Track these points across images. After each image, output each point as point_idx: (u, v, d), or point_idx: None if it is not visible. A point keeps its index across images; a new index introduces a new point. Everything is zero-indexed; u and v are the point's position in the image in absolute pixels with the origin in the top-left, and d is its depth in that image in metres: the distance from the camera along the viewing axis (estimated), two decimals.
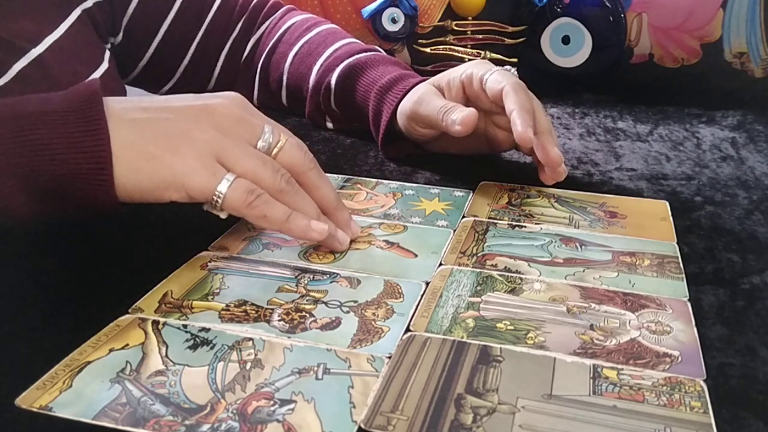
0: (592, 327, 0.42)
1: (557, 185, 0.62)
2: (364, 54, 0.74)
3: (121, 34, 0.75)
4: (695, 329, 0.42)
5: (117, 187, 0.45)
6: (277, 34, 0.82)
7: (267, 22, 0.84)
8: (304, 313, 0.43)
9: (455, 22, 0.95)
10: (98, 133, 0.44)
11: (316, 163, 0.51)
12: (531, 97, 0.61)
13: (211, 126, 0.47)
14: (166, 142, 0.45)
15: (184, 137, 0.46)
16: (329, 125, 0.78)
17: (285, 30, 0.82)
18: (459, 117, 0.59)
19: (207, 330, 0.42)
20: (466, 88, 0.64)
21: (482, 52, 0.95)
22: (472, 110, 0.59)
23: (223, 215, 0.47)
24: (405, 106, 0.65)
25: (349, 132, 0.77)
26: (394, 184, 0.63)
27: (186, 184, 0.45)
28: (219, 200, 0.45)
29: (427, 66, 0.97)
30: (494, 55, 0.95)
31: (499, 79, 0.61)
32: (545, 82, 0.95)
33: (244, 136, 0.48)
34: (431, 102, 0.63)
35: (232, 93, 0.50)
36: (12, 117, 0.44)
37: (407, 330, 0.42)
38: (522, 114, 0.58)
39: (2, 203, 0.44)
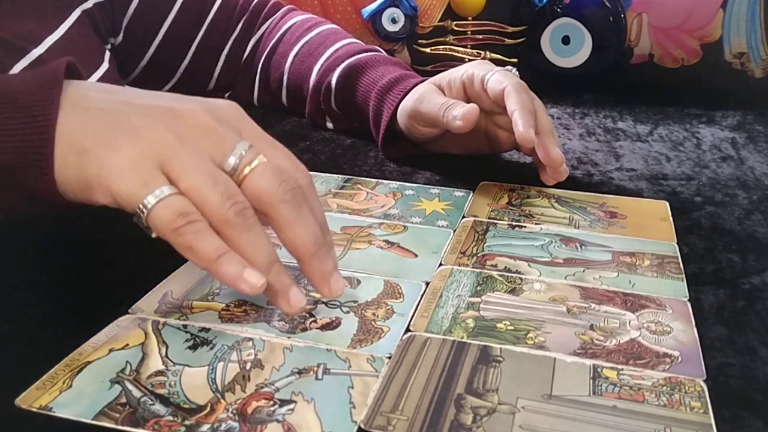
0: (592, 327, 0.42)
1: (557, 185, 0.62)
2: (364, 54, 0.74)
3: (121, 35, 0.75)
4: (695, 329, 0.42)
5: (57, 181, 0.39)
6: (278, 35, 0.82)
7: (267, 23, 0.84)
8: (303, 313, 0.43)
9: (455, 23, 0.95)
10: (44, 119, 0.39)
11: (298, 195, 0.40)
12: (533, 98, 0.61)
13: (169, 129, 0.39)
14: (106, 136, 0.39)
15: (130, 134, 0.39)
16: (329, 125, 0.78)
17: (285, 30, 0.82)
18: (460, 112, 0.59)
19: (207, 330, 0.42)
20: (467, 89, 0.64)
21: (482, 53, 0.95)
22: (473, 105, 0.59)
23: (153, 235, 0.39)
24: (406, 104, 0.65)
25: (349, 132, 0.77)
26: (394, 184, 0.63)
27: (111, 187, 0.38)
28: (143, 214, 0.38)
29: (427, 66, 0.97)
30: (494, 55, 0.95)
31: (500, 79, 0.61)
32: (545, 82, 0.94)
33: (207, 149, 0.39)
34: (432, 99, 0.63)
35: (225, 102, 0.43)
36: None
37: (407, 330, 0.42)
38: (523, 114, 0.58)
39: None
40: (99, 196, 0.39)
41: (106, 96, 0.41)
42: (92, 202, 0.40)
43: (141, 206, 0.38)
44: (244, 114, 0.43)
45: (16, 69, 0.59)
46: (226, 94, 0.86)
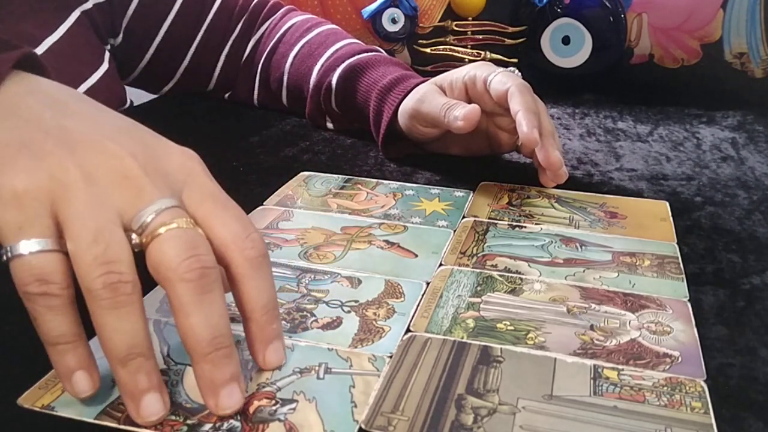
0: (592, 327, 0.42)
1: (557, 186, 0.62)
2: (365, 54, 0.74)
3: (121, 35, 0.75)
4: (695, 329, 0.42)
5: None
6: (278, 35, 0.82)
7: (267, 23, 0.84)
8: (305, 313, 0.43)
9: (455, 23, 0.95)
10: None
11: (208, 276, 0.33)
12: (536, 99, 0.61)
13: (81, 167, 0.34)
14: (8, 155, 0.33)
15: (34, 160, 0.33)
16: (329, 125, 0.78)
17: (285, 30, 0.82)
18: (461, 113, 0.59)
19: None
20: (469, 90, 0.64)
21: (482, 53, 0.95)
22: (474, 106, 0.59)
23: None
24: (407, 105, 0.66)
25: (349, 132, 0.77)
26: (395, 184, 0.63)
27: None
28: (5, 258, 0.33)
29: (427, 66, 0.97)
30: (494, 56, 0.95)
31: (503, 80, 0.61)
32: (545, 82, 0.95)
33: (117, 200, 0.34)
34: (434, 100, 0.63)
35: (180, 150, 0.38)
36: None
37: (407, 330, 0.42)
38: (527, 115, 0.58)
39: None
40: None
41: (41, 106, 0.36)
42: None
43: (6, 251, 0.32)
44: (200, 167, 0.37)
45: None
46: (227, 94, 0.86)
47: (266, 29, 0.83)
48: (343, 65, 0.73)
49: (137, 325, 0.33)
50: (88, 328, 0.34)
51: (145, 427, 0.34)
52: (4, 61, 0.37)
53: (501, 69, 0.64)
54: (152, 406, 0.33)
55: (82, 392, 0.34)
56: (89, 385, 0.34)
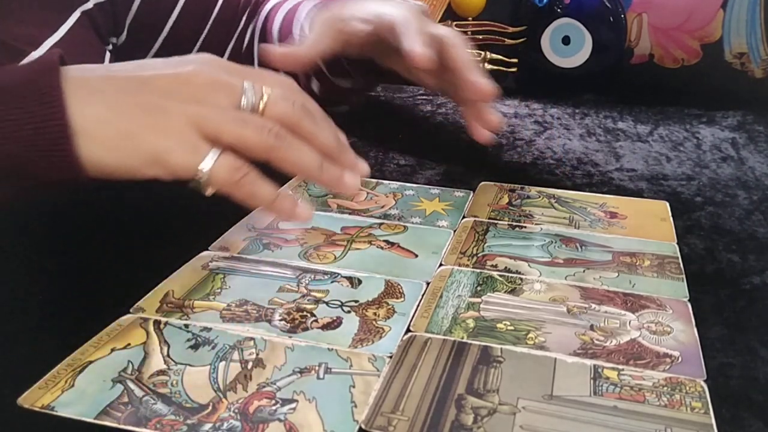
0: (592, 327, 0.42)
1: (557, 186, 0.62)
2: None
3: (125, 34, 0.75)
4: (695, 329, 0.42)
5: (90, 163, 0.41)
6: (264, 13, 0.82)
7: (265, 7, 0.84)
8: (305, 313, 0.43)
9: (455, 23, 0.95)
10: (52, 107, 0.40)
11: (309, 109, 0.47)
12: (439, 28, 0.60)
13: (187, 96, 0.44)
14: (143, 118, 0.42)
15: (161, 112, 0.43)
16: (315, 88, 0.78)
17: (271, 8, 0.82)
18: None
19: (208, 330, 0.42)
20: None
21: (482, 53, 0.95)
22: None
23: (208, 193, 0.44)
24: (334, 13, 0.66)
25: (349, 132, 0.77)
26: (395, 184, 0.63)
27: (168, 161, 0.42)
28: (203, 178, 0.43)
29: None
30: (494, 56, 0.95)
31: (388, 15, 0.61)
32: (545, 82, 0.95)
33: (224, 101, 0.45)
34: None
35: (205, 55, 0.47)
36: None
37: (408, 330, 0.42)
38: (414, 36, 0.58)
39: None
40: (156, 170, 0.43)
41: (104, 76, 0.44)
42: (140, 178, 0.43)
43: (199, 172, 0.43)
44: (219, 58, 0.47)
45: None
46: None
47: (263, 14, 0.83)
48: (309, 10, 0.72)
49: (306, 146, 0.46)
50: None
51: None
52: (50, 62, 0.42)
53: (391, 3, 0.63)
54: (351, 178, 0.48)
55: (307, 209, 0.48)
56: (306, 206, 0.48)
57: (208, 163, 0.43)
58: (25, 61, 0.60)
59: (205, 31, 0.80)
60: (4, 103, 0.41)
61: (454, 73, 0.61)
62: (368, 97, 0.90)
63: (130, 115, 0.42)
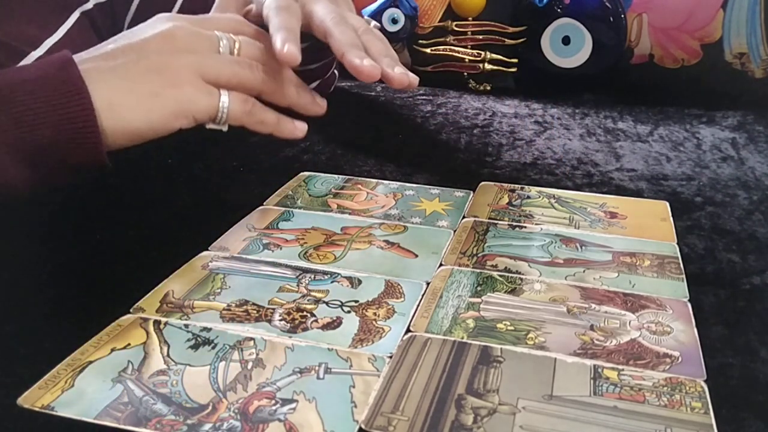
0: (592, 327, 0.42)
1: (557, 186, 0.62)
2: None
3: None
4: (695, 330, 0.42)
5: (120, 132, 0.46)
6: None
7: None
8: (305, 313, 0.43)
9: (455, 23, 0.95)
10: (77, 94, 0.45)
11: (262, 49, 0.53)
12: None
13: (179, 49, 0.49)
14: (157, 77, 0.48)
15: (167, 68, 0.48)
16: None
17: None
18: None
19: (208, 330, 0.42)
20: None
21: (482, 53, 0.95)
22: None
23: (225, 128, 0.51)
24: None
25: (349, 132, 0.77)
26: (395, 184, 0.63)
27: (192, 109, 0.48)
28: (224, 115, 0.49)
29: (427, 66, 0.97)
30: (494, 56, 0.95)
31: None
32: (545, 82, 0.95)
33: (209, 47, 0.50)
34: None
35: (161, 14, 0.52)
36: None
37: (408, 330, 0.42)
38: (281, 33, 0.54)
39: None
40: (181, 121, 0.48)
41: (105, 54, 0.48)
42: (168, 131, 0.48)
43: (220, 111, 0.49)
44: (170, 14, 0.53)
45: None
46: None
47: None
48: None
49: (283, 70, 0.54)
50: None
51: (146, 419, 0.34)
52: (64, 56, 0.46)
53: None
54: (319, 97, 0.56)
55: (303, 125, 0.55)
56: (301, 123, 0.55)
57: (225, 101, 0.49)
58: (25, 61, 0.60)
59: None
60: (30, 93, 0.44)
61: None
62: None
63: (144, 78, 0.47)
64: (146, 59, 0.48)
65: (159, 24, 0.50)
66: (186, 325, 0.42)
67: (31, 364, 0.38)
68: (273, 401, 0.36)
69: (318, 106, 0.56)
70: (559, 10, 0.91)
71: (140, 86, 0.47)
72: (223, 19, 0.55)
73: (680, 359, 0.40)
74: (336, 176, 0.64)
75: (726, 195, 0.63)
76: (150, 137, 0.48)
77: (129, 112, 0.46)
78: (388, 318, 0.43)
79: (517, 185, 0.63)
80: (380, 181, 0.64)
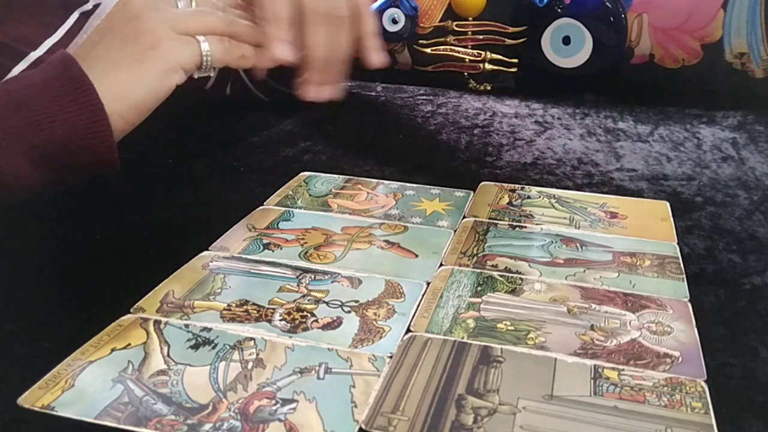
0: (592, 327, 0.42)
1: (557, 186, 0.62)
2: None
3: None
4: (696, 330, 0.42)
5: (125, 108, 0.48)
6: None
7: None
8: (305, 313, 0.43)
9: (456, 23, 0.95)
10: (83, 87, 0.46)
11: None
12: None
13: (142, 12, 0.51)
14: (134, 45, 0.50)
15: (141, 32, 0.50)
16: None
17: None
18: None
19: (208, 330, 0.42)
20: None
21: (483, 53, 0.95)
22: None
23: (212, 73, 0.54)
24: None
25: (349, 132, 0.77)
26: (395, 184, 0.63)
27: (179, 62, 0.50)
28: (208, 59, 0.51)
29: (427, 66, 0.97)
30: (494, 56, 0.95)
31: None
32: (546, 82, 0.95)
33: (169, 4, 0.53)
34: None
35: None
36: (4, 97, 0.46)
37: (408, 330, 0.42)
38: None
39: (13, 178, 0.45)
40: (173, 76, 0.50)
41: (88, 44, 0.51)
42: (167, 92, 0.50)
43: (204, 56, 0.51)
44: None
45: (15, 71, 0.60)
46: (228, 88, 0.85)
47: None
48: None
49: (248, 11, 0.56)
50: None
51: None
52: (65, 56, 0.48)
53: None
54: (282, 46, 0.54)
55: (286, 47, 0.54)
56: (283, 46, 0.54)
57: (206, 46, 0.51)
58: (24, 61, 0.61)
59: None
60: (40, 95, 0.46)
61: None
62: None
63: (124, 49, 0.49)
64: (118, 31, 0.50)
65: (114, 5, 0.52)
66: (186, 325, 0.42)
67: (32, 364, 0.38)
68: (273, 401, 0.36)
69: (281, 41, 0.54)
70: (559, 10, 0.91)
71: (124, 58, 0.49)
72: None
73: (680, 359, 0.40)
74: (336, 176, 0.64)
75: (726, 195, 0.63)
76: (154, 104, 0.50)
77: (125, 86, 0.48)
78: (389, 318, 0.43)
79: (517, 185, 0.63)
80: (380, 181, 0.64)
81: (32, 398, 0.36)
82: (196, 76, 0.52)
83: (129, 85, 0.48)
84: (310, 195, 0.60)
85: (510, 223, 0.56)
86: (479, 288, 0.46)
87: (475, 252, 0.51)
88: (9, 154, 0.45)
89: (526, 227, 0.55)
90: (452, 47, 0.96)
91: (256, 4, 0.57)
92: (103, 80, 0.47)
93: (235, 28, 0.54)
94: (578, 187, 0.63)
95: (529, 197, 0.61)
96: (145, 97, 0.49)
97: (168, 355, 0.39)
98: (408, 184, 0.63)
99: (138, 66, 0.49)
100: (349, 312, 0.44)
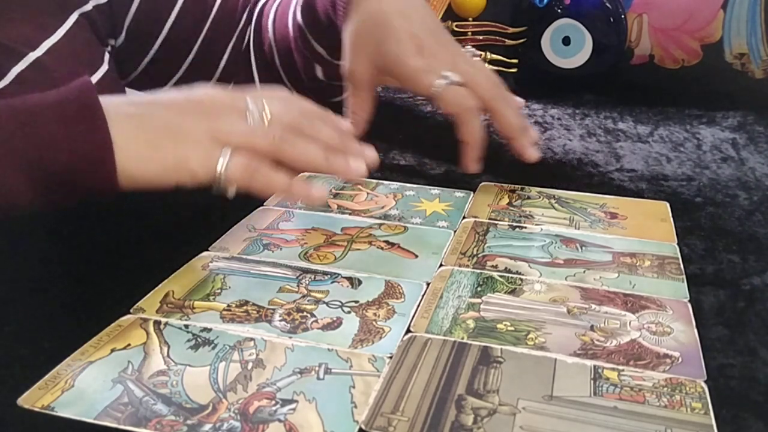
0: (592, 328, 0.42)
1: (557, 186, 0.62)
2: None
3: (123, 36, 0.75)
4: (695, 330, 0.42)
5: (124, 174, 0.46)
6: (257, 9, 0.82)
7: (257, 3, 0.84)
8: (305, 313, 0.43)
9: (456, 23, 0.95)
10: (97, 122, 0.45)
11: (307, 111, 0.53)
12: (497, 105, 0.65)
13: (201, 115, 0.49)
14: (167, 131, 0.48)
15: (181, 126, 0.48)
16: (320, 75, 0.78)
17: (263, 3, 0.82)
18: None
19: (208, 330, 0.42)
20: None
21: (482, 53, 0.95)
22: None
23: (230, 194, 0.48)
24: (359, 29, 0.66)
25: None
26: (395, 184, 0.63)
27: (190, 167, 0.47)
28: (222, 177, 0.47)
29: None
30: (494, 56, 0.95)
31: (452, 101, 0.63)
32: (545, 83, 0.95)
33: (233, 117, 0.50)
34: (405, 54, 0.64)
35: (210, 87, 0.52)
36: (12, 113, 0.45)
37: (408, 331, 0.42)
38: (475, 149, 0.63)
39: (8, 195, 0.44)
40: (180, 177, 0.47)
41: (128, 102, 0.49)
42: (166, 185, 0.48)
43: (217, 173, 0.47)
44: (223, 88, 0.52)
45: (14, 72, 0.60)
46: (230, 87, 0.85)
47: (257, 10, 0.83)
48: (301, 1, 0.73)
49: (310, 139, 0.50)
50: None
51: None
52: (84, 83, 0.47)
53: (449, 77, 0.63)
54: (355, 162, 0.52)
55: (319, 190, 0.54)
56: (318, 186, 0.56)
57: (222, 160, 0.47)
58: (24, 62, 0.61)
59: (204, 32, 0.80)
60: (50, 119, 0.45)
61: (500, 132, 0.65)
62: None
63: (155, 130, 0.47)
64: (164, 115, 0.48)
65: (195, 89, 0.51)
66: (186, 326, 0.42)
67: (32, 365, 0.38)
68: (273, 401, 0.36)
69: (352, 171, 0.52)
70: (559, 10, 0.91)
71: (147, 136, 0.47)
72: (268, 94, 0.53)
73: (680, 360, 0.40)
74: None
75: (726, 195, 0.63)
76: (146, 186, 0.47)
77: (130, 157, 0.46)
78: (388, 318, 0.43)
79: (517, 185, 0.63)
80: (380, 181, 0.64)
81: (32, 398, 0.36)
82: (213, 192, 0.48)
83: (131, 159, 0.46)
84: None
85: (510, 223, 0.56)
86: (479, 288, 0.46)
87: (475, 252, 0.51)
88: (8, 171, 0.44)
89: (525, 228, 0.55)
90: None
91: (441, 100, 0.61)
92: (114, 136, 0.46)
93: (286, 152, 0.49)
94: (578, 188, 0.63)
95: (528, 197, 0.61)
96: (139, 177, 0.47)
97: (168, 356, 0.39)
98: (408, 185, 0.63)
99: (151, 149, 0.47)
100: (349, 312, 0.44)
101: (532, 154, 0.65)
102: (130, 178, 0.46)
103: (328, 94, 0.81)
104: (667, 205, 0.60)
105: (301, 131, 0.51)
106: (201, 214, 0.57)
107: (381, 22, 0.65)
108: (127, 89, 0.78)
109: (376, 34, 0.65)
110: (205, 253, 0.50)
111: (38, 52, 0.62)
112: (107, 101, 0.47)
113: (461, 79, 0.63)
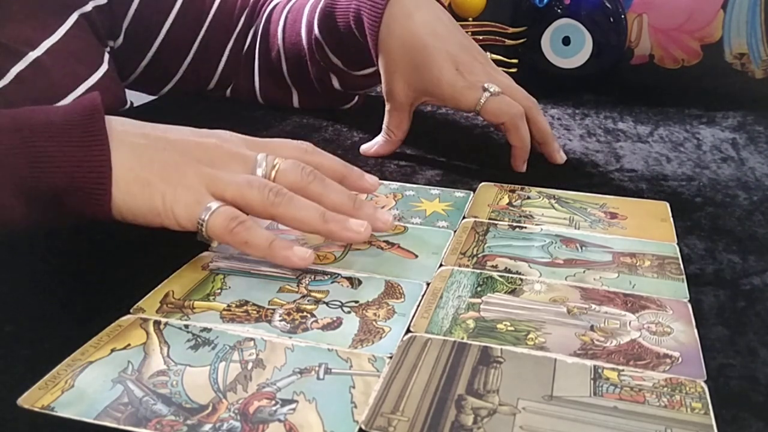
0: (592, 328, 0.42)
1: (557, 186, 0.62)
2: None
3: (121, 37, 0.75)
4: (696, 330, 0.42)
5: (115, 206, 0.45)
6: (265, 15, 0.82)
7: (265, 10, 0.84)
8: (305, 313, 0.43)
9: None
10: (99, 147, 0.44)
11: (317, 173, 0.50)
12: (533, 114, 0.67)
13: (205, 161, 0.48)
14: (161, 171, 0.46)
15: (177, 169, 0.46)
16: (336, 85, 0.78)
17: (271, 10, 0.82)
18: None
19: (208, 330, 0.42)
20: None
21: None
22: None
23: (213, 244, 0.49)
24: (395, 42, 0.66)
25: (349, 132, 0.77)
26: (395, 184, 0.63)
27: (175, 211, 0.46)
28: (202, 227, 0.46)
29: None
30: (494, 56, 0.95)
31: (495, 112, 0.64)
32: (545, 83, 0.95)
33: (238, 169, 0.48)
34: (444, 70, 0.65)
35: (227, 132, 0.51)
36: (13, 129, 0.44)
37: (408, 331, 0.42)
38: (522, 155, 0.66)
39: (3, 211, 0.44)
40: (164, 220, 0.46)
41: (139, 131, 0.48)
42: (151, 225, 0.46)
43: (199, 221, 0.46)
44: (240, 135, 0.52)
45: (14, 72, 0.60)
46: (228, 90, 0.86)
47: (264, 17, 0.83)
48: (318, 9, 0.72)
49: (306, 200, 0.48)
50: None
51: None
52: (94, 104, 0.46)
53: (490, 89, 0.64)
54: (356, 224, 0.49)
55: (307, 253, 0.47)
56: (305, 249, 0.47)
57: (206, 213, 0.46)
58: (23, 62, 0.61)
59: (202, 34, 0.80)
60: (50, 139, 0.44)
61: (534, 137, 0.67)
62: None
63: (151, 167, 0.46)
64: (166, 153, 0.47)
65: (211, 135, 0.50)
66: (186, 326, 0.42)
67: (31, 364, 0.38)
68: (273, 402, 0.36)
69: (348, 233, 0.49)
70: (559, 10, 0.91)
71: (142, 171, 0.45)
72: (287, 146, 0.52)
73: (680, 360, 0.40)
74: None
75: (726, 195, 0.63)
76: (138, 223, 0.46)
77: (120, 189, 0.45)
78: (388, 318, 0.43)
79: (517, 185, 0.63)
80: (381, 181, 0.64)
81: (32, 398, 0.36)
82: (198, 239, 0.48)
83: (120, 192, 0.45)
84: None
85: (510, 223, 0.56)
86: (479, 288, 0.46)
87: (474, 252, 0.51)
88: (6, 185, 0.43)
89: (525, 228, 0.55)
90: None
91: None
92: (121, 159, 0.45)
93: (276, 208, 0.47)
94: (578, 188, 0.63)
95: (528, 197, 0.61)
96: (125, 212, 0.46)
97: (168, 356, 0.39)
98: (408, 185, 0.63)
99: (141, 185, 0.45)
100: (348, 312, 0.44)
101: (561, 158, 0.69)
102: (119, 211, 0.46)
103: (340, 100, 0.82)
104: (667, 205, 0.60)
105: (305, 190, 0.49)
106: None
107: (416, 46, 0.65)
108: (127, 90, 0.78)
109: (413, 60, 0.65)
110: (205, 253, 0.50)
111: (38, 51, 0.62)
112: (116, 125, 0.46)
113: (500, 89, 0.64)
